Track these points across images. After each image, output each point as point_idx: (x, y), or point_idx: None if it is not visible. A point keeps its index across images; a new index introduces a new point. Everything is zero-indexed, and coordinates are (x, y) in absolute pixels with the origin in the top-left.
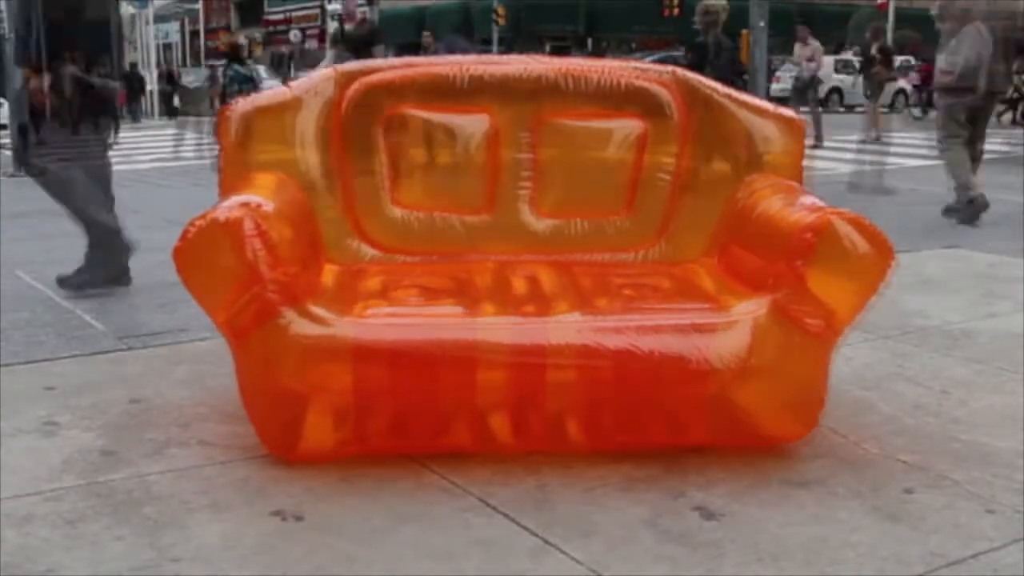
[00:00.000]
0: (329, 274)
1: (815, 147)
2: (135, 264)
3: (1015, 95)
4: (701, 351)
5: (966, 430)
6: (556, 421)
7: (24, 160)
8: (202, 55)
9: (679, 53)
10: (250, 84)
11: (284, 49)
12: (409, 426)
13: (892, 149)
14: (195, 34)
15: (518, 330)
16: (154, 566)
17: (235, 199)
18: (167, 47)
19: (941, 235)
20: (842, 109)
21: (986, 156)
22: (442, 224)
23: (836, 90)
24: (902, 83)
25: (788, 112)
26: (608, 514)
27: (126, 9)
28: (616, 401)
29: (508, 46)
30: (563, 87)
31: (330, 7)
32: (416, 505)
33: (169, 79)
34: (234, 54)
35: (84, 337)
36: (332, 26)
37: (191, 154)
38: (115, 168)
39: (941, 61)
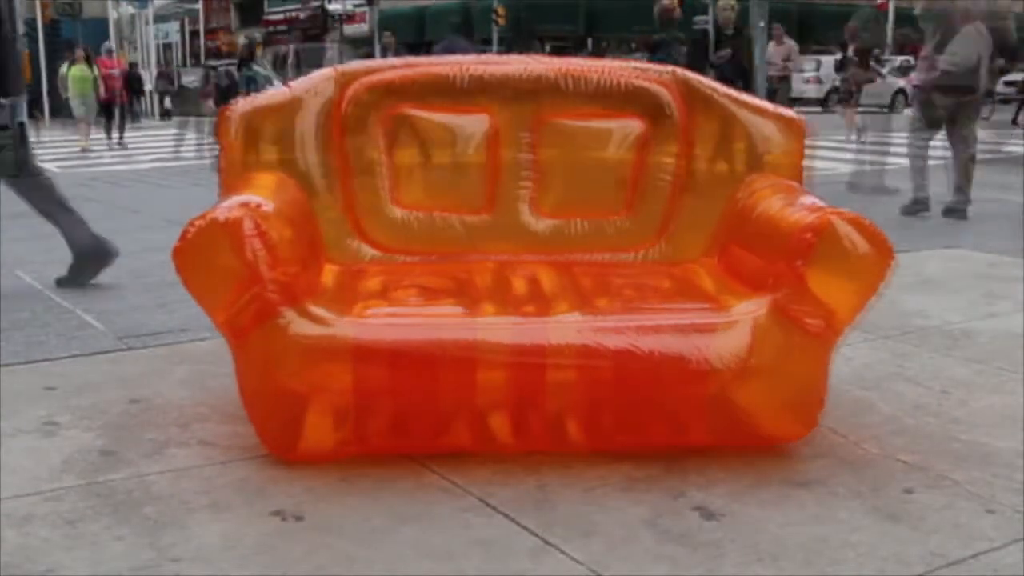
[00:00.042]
0: (329, 274)
1: None
2: (135, 264)
3: (1021, 95)
4: (701, 351)
5: (966, 430)
6: (556, 421)
7: (24, 160)
8: (202, 55)
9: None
10: (270, 85)
11: (284, 49)
12: (409, 426)
13: (892, 149)
14: (195, 34)
15: (518, 330)
16: (154, 566)
17: (235, 199)
18: (167, 47)
19: (941, 235)
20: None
21: (985, 157)
22: (442, 224)
23: (836, 90)
24: (901, 83)
25: (788, 112)
26: (608, 514)
27: (126, 9)
28: (616, 401)
29: (508, 46)
30: (563, 87)
31: (330, 7)
32: (416, 505)
33: (160, 78)
34: (250, 55)
35: (84, 337)
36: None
37: (191, 154)
38: (115, 168)
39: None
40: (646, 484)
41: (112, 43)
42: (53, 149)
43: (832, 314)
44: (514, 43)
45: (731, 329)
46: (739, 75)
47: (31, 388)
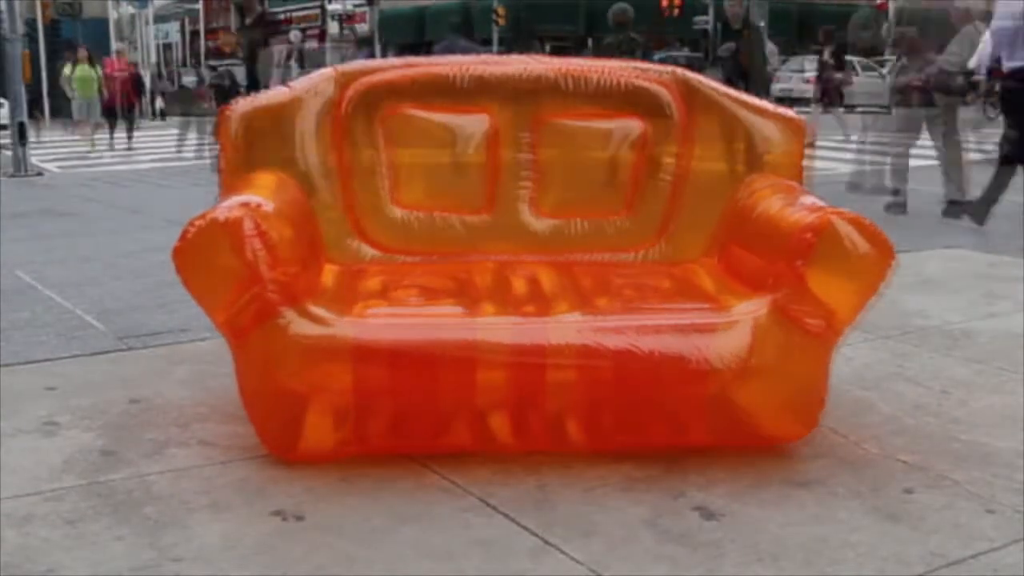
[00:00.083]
0: (329, 274)
1: None
2: (135, 264)
3: None
4: (701, 351)
5: (966, 430)
6: (556, 421)
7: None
8: (202, 55)
9: (680, 53)
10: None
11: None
12: (409, 426)
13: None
14: (195, 34)
15: (518, 330)
16: (154, 566)
17: (235, 199)
18: (167, 47)
19: (941, 235)
20: (842, 109)
21: (987, 157)
22: (442, 224)
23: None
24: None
25: (788, 112)
26: (608, 514)
27: (126, 9)
28: (616, 401)
29: (508, 46)
30: (563, 87)
31: (330, 7)
32: (416, 505)
33: (157, 79)
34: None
35: (84, 337)
36: (332, 26)
37: (191, 154)
38: (115, 168)
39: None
40: (646, 484)
41: (121, 44)
42: (53, 149)
43: (832, 314)
44: (514, 43)
45: (731, 329)
46: (739, 75)
47: (31, 388)
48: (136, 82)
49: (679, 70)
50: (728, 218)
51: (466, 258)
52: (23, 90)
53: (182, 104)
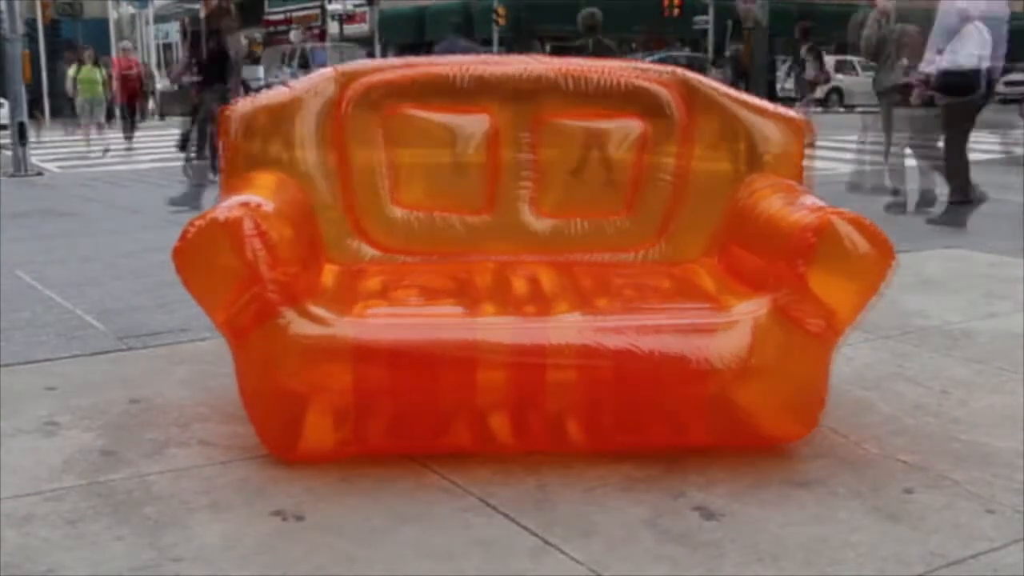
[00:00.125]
0: (329, 274)
1: None
2: (135, 264)
3: None
4: (701, 351)
5: (966, 430)
6: (556, 421)
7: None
8: (202, 55)
9: (680, 53)
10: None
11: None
12: (409, 426)
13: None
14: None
15: (518, 330)
16: (154, 566)
17: (235, 199)
18: (167, 47)
19: (941, 235)
20: (842, 109)
21: (986, 156)
22: (442, 224)
23: (836, 90)
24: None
25: (788, 112)
26: (608, 514)
27: (126, 9)
28: (616, 401)
29: (508, 46)
30: (563, 87)
31: (330, 7)
32: (416, 505)
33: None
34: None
35: (84, 337)
36: (332, 26)
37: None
38: (115, 168)
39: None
40: (646, 484)
41: (126, 43)
42: (53, 149)
43: (833, 314)
44: (514, 43)
45: (731, 329)
46: (739, 74)
47: (31, 388)
48: (143, 81)
49: (679, 70)
50: (728, 218)
51: (466, 258)
52: (23, 90)
53: (182, 104)
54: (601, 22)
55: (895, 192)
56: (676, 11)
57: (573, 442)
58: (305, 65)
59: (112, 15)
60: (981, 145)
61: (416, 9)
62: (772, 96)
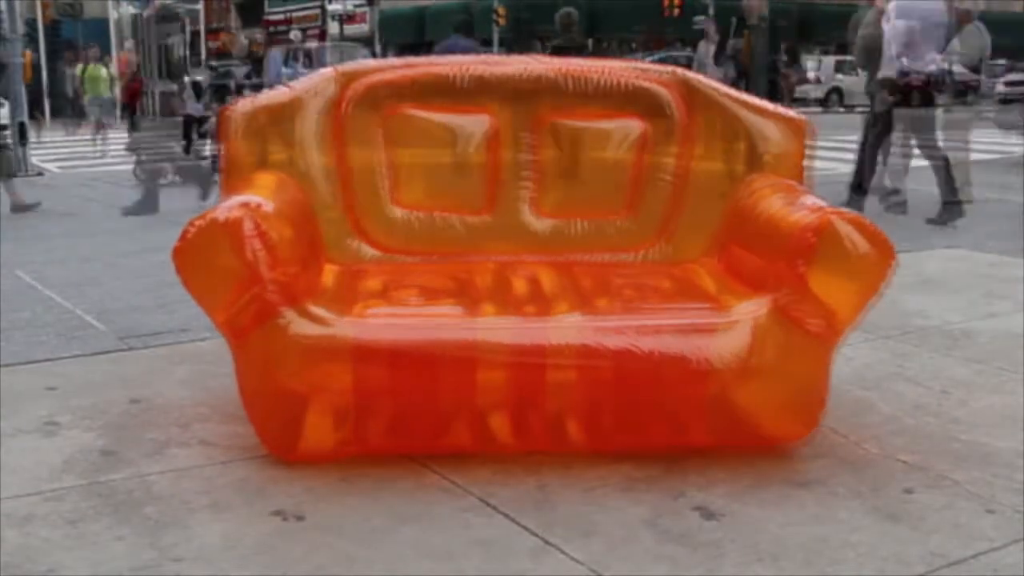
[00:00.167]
0: (329, 274)
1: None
2: (135, 264)
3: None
4: (701, 351)
5: (966, 430)
6: (556, 421)
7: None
8: (203, 55)
9: (680, 53)
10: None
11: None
12: (409, 426)
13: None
14: (196, 34)
15: (518, 330)
16: (155, 566)
17: (235, 199)
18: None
19: (941, 235)
20: (842, 109)
21: (985, 157)
22: (442, 224)
23: (836, 90)
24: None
25: (789, 112)
26: (608, 514)
27: (126, 9)
28: (616, 401)
29: (508, 47)
30: (563, 87)
31: (330, 7)
32: (416, 505)
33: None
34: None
35: (84, 337)
36: (332, 26)
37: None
38: (115, 168)
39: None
40: (646, 484)
41: (129, 42)
42: (54, 149)
43: (833, 314)
44: (515, 44)
45: (732, 329)
46: (740, 74)
47: (32, 388)
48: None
49: (679, 70)
50: (728, 218)
51: (466, 258)
52: (23, 90)
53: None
54: (577, 21)
55: (895, 192)
56: (676, 11)
57: (573, 442)
58: (310, 65)
59: (112, 15)
60: (981, 145)
61: (416, 9)
62: (773, 96)
